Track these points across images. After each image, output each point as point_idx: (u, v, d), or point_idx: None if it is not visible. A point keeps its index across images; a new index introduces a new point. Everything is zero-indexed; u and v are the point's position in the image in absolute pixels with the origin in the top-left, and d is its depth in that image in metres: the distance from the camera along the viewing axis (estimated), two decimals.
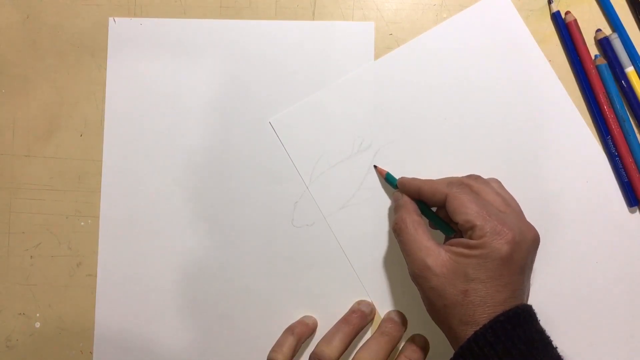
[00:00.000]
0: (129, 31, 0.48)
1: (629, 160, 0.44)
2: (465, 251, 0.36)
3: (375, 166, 0.46)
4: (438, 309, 0.36)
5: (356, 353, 0.41)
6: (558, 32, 0.47)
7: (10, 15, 0.49)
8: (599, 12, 0.47)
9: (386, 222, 0.46)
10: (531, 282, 0.37)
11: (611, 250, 0.45)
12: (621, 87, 0.45)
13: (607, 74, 0.45)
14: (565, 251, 0.45)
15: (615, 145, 0.45)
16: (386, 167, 0.46)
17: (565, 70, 0.46)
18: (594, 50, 0.46)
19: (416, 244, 0.38)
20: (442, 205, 0.39)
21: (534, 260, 0.38)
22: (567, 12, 0.46)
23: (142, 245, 0.47)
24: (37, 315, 0.47)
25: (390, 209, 0.46)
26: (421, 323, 0.45)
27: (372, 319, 0.45)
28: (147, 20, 0.48)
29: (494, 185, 0.40)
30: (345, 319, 0.44)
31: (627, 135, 0.45)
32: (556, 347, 0.35)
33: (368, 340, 0.42)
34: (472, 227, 0.36)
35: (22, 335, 0.47)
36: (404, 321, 0.45)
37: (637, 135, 0.45)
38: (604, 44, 0.46)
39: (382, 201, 0.46)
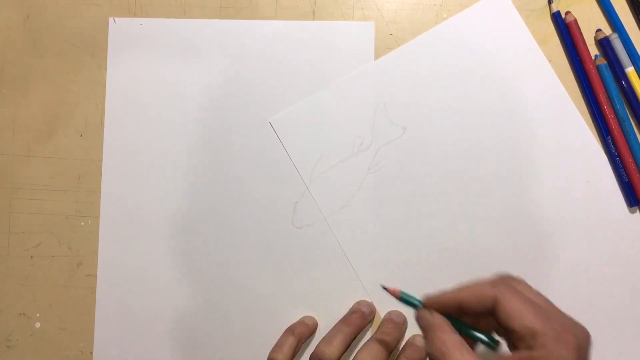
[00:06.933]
0: (129, 31, 0.48)
1: (629, 160, 0.44)
2: None
3: (383, 287, 0.36)
4: None
5: (356, 353, 0.41)
6: (558, 32, 0.47)
7: (10, 15, 0.49)
8: (599, 12, 0.47)
9: (386, 222, 0.46)
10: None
11: (611, 250, 0.45)
12: (621, 87, 0.45)
13: (607, 74, 0.45)
14: (565, 251, 0.45)
15: (615, 145, 0.45)
16: (386, 167, 0.46)
17: (565, 70, 0.46)
18: (594, 50, 0.46)
19: None
20: (485, 313, 0.33)
21: None
22: (567, 12, 0.46)
23: (142, 245, 0.47)
24: (37, 315, 0.47)
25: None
26: None
27: (372, 319, 0.45)
28: (147, 20, 0.48)
29: (525, 283, 0.35)
30: (345, 320, 0.44)
31: (627, 135, 0.45)
32: None
33: (368, 340, 0.42)
34: (533, 334, 0.31)
35: (22, 335, 0.47)
36: (404, 321, 0.44)
37: (637, 135, 0.45)
38: (604, 44, 0.46)
39: (382, 201, 0.46)
